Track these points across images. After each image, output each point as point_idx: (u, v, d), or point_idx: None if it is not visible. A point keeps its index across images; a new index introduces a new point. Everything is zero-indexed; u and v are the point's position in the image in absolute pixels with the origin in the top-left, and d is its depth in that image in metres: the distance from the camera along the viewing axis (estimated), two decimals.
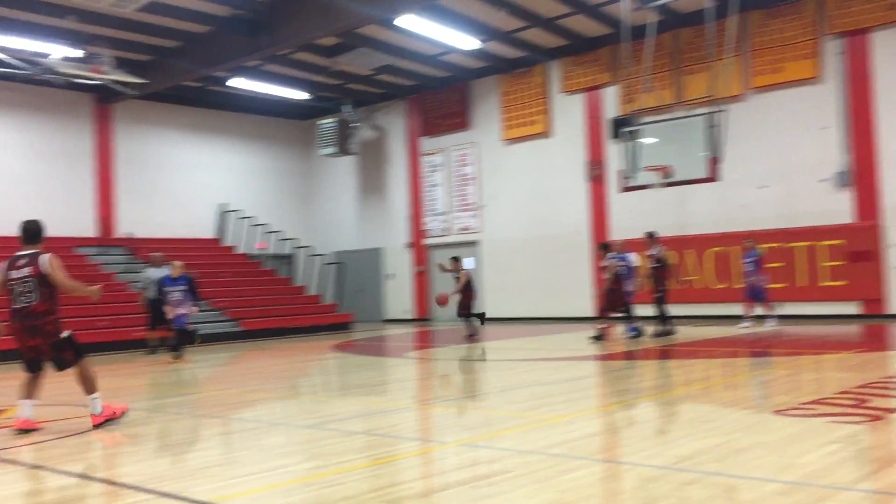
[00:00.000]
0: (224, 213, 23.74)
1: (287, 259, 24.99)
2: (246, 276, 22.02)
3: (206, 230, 23.46)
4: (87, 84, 18.47)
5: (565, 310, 20.43)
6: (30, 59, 16.42)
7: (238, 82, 20.90)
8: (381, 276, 24.73)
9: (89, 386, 6.98)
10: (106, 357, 15.23)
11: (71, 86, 18.91)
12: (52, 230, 21.51)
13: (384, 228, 24.59)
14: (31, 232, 7.11)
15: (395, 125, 24.32)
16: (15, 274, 6.90)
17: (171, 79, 19.83)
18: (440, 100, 23.11)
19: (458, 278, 16.06)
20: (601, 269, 14.57)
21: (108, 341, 16.46)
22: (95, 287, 7.19)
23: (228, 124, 24.22)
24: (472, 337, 15.62)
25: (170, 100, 22.32)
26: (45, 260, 6.87)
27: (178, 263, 13.98)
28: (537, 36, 19.48)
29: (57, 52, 16.37)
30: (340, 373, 12.14)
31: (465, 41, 18.39)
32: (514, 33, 19.14)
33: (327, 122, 23.48)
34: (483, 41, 18.83)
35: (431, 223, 23.53)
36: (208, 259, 21.89)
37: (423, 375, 11.42)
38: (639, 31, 16.28)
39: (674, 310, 14.80)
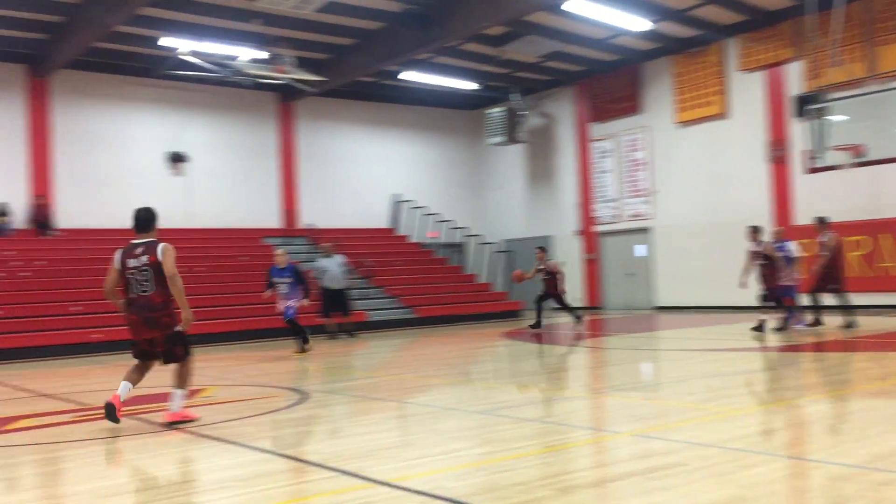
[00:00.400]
0: (397, 203, 24.46)
1: (458, 247, 25.40)
2: (419, 265, 22.58)
3: (380, 220, 24.28)
4: (271, 84, 19.59)
5: (742, 299, 19.45)
6: (221, 63, 17.60)
7: (410, 75, 21.42)
8: None
9: (182, 381, 6.68)
10: (288, 342, 16.15)
11: (257, 86, 20.09)
12: (241, 222, 23.15)
13: (553, 216, 24.46)
14: (144, 220, 6.80)
15: (564, 112, 24.09)
16: (132, 263, 6.60)
17: (348, 75, 20.65)
18: (610, 84, 22.64)
19: (540, 269, 16.19)
20: (753, 255, 13.52)
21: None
22: (190, 316, 6.62)
23: (401, 117, 24.91)
24: (534, 327, 16.01)
25: (346, 95, 23.23)
26: (161, 249, 6.59)
27: (280, 251, 13.21)
28: (713, 13, 18.64)
29: (245, 54, 17.48)
30: (511, 360, 12.21)
31: (635, 22, 17.90)
32: (687, 11, 18.41)
33: (495, 112, 23.61)
34: (655, 21, 18.25)
35: (601, 210, 23.14)
36: (383, 248, 22.67)
37: (594, 364, 11.29)
38: (826, 1, 15.20)
39: (869, 299, 13.78)
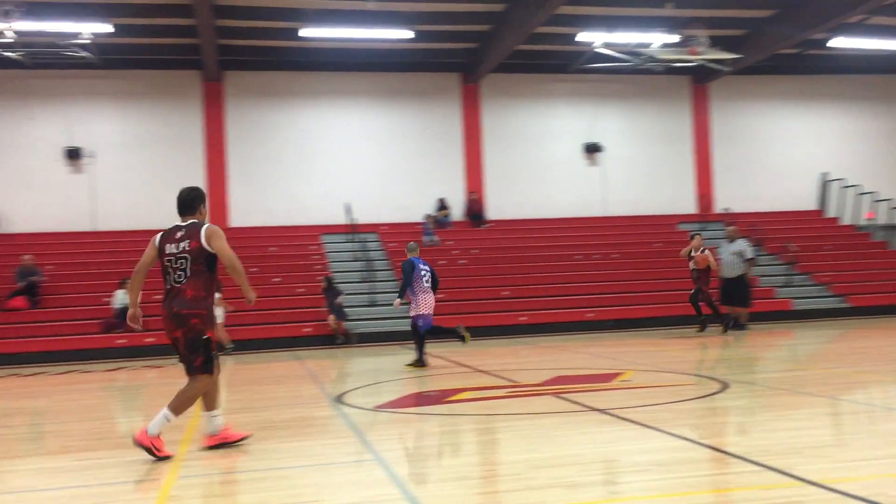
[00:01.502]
0: (826, 183, 22.47)
1: None
2: (852, 249, 20.58)
3: (805, 202, 22.54)
4: (684, 67, 19.27)
5: None
6: (633, 51, 17.81)
7: (839, 41, 19.49)
8: None
9: (179, 404, 5.56)
10: (673, 330, 15.81)
11: (669, 70, 19.91)
12: (656, 208, 23.22)
13: None
14: (185, 199, 5.79)
15: None
16: (170, 248, 5.60)
17: (767, 49, 19.50)
18: None
19: (696, 259, 14.09)
20: None
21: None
22: (253, 294, 5.68)
23: (828, 88, 22.82)
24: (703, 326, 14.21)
25: (763, 71, 21.91)
26: (205, 232, 5.59)
27: (413, 243, 11.16)
28: None
29: (656, 40, 17.45)
30: None
31: None
32: None
33: None
34: None
35: None
36: (809, 232, 21.12)
37: None
38: None
39: None
